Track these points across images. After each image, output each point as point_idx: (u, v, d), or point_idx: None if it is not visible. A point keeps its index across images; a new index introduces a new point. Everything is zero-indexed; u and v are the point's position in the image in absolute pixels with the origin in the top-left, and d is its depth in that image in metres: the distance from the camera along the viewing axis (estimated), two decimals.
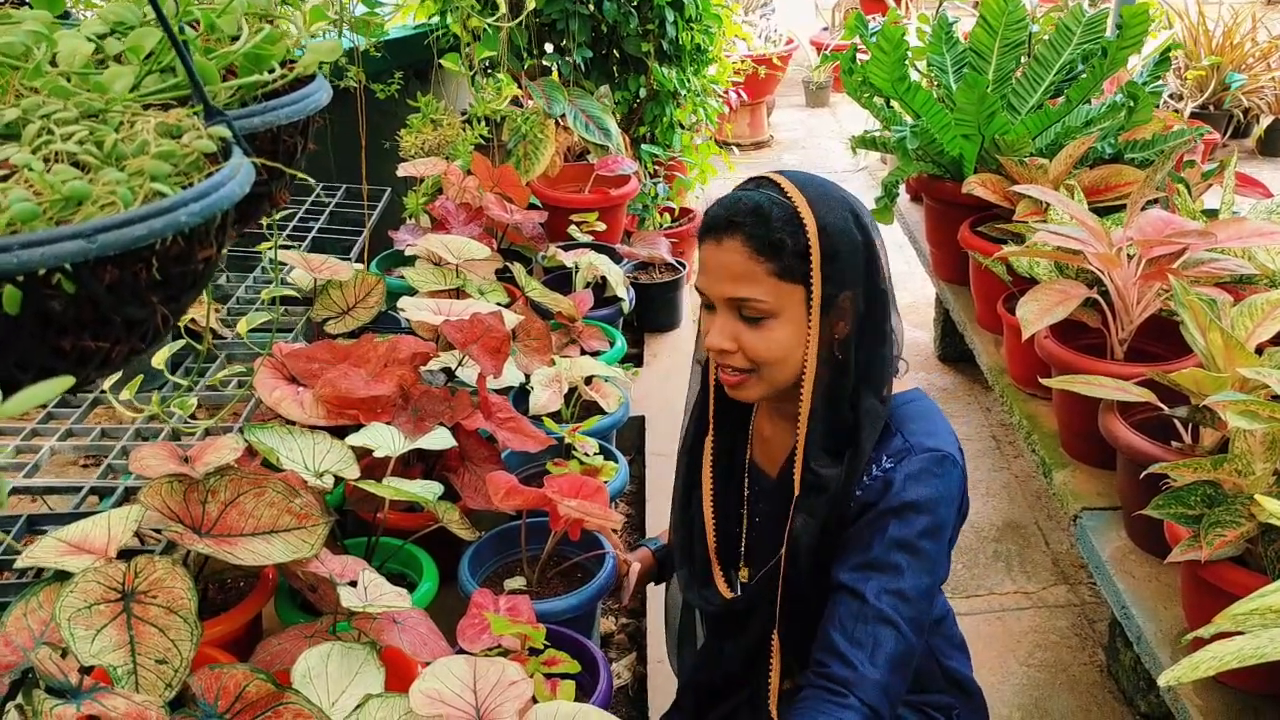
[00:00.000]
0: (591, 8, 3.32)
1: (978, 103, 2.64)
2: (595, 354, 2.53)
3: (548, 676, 1.49)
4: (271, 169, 0.87)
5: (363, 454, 1.72)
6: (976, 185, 2.71)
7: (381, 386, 1.80)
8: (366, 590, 1.47)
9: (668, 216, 3.91)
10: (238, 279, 2.31)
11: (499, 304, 2.31)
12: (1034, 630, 2.51)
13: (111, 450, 1.73)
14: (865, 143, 3.20)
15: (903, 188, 3.37)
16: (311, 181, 0.91)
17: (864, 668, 1.25)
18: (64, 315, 0.55)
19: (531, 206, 3.01)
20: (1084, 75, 2.77)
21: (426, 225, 2.86)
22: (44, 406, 1.84)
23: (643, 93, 3.57)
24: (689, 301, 3.72)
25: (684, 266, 3.58)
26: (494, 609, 1.57)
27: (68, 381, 0.48)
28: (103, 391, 1.82)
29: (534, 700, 1.35)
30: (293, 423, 1.74)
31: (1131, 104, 2.75)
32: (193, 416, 1.81)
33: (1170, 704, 1.75)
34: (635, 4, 3.37)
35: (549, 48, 3.46)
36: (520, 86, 3.13)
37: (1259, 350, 1.83)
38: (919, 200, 3.64)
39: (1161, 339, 2.20)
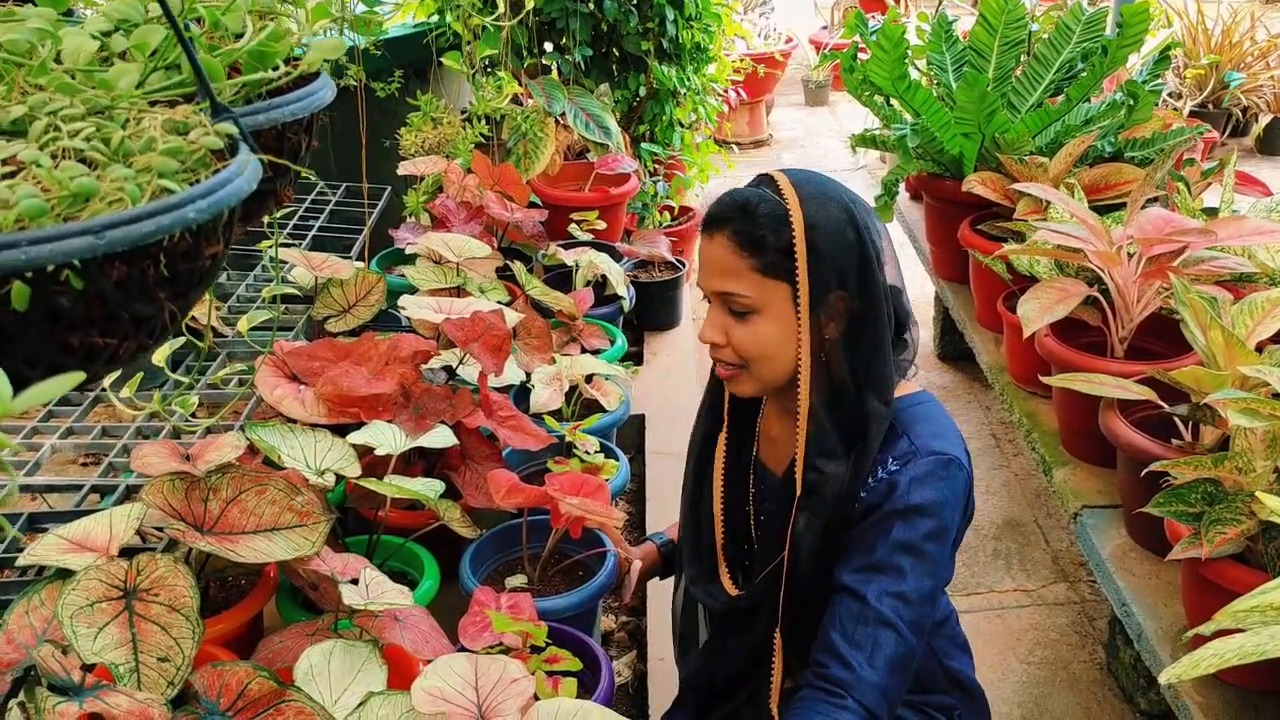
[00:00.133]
0: (591, 6, 3.32)
1: (978, 101, 2.64)
2: (596, 352, 2.54)
3: (549, 674, 1.49)
4: (275, 166, 0.87)
5: (364, 452, 1.72)
6: (976, 183, 2.71)
7: (383, 384, 1.80)
8: (368, 588, 1.47)
9: (667, 215, 3.91)
10: (238, 277, 2.31)
11: (500, 302, 2.31)
12: (1034, 628, 2.51)
13: (112, 449, 1.73)
14: (865, 141, 3.20)
15: (902, 186, 3.37)
16: (316, 179, 0.91)
17: (862, 669, 1.25)
18: (72, 312, 0.55)
19: (532, 205, 3.01)
20: (1084, 74, 2.77)
21: (427, 224, 2.85)
22: (45, 404, 1.84)
23: (642, 91, 3.56)
24: (689, 300, 3.72)
25: (684, 265, 3.58)
26: (496, 607, 1.57)
27: (78, 377, 0.48)
28: (103, 390, 1.82)
29: (536, 698, 1.35)
30: (294, 421, 1.74)
31: (1131, 102, 2.75)
32: (193, 415, 1.81)
33: (1171, 701, 1.75)
34: (635, 2, 3.36)
35: (549, 46, 3.46)
36: (520, 85, 3.13)
37: (1259, 348, 1.83)
38: (919, 199, 3.64)
39: (1162, 337, 2.20)
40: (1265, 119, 5.53)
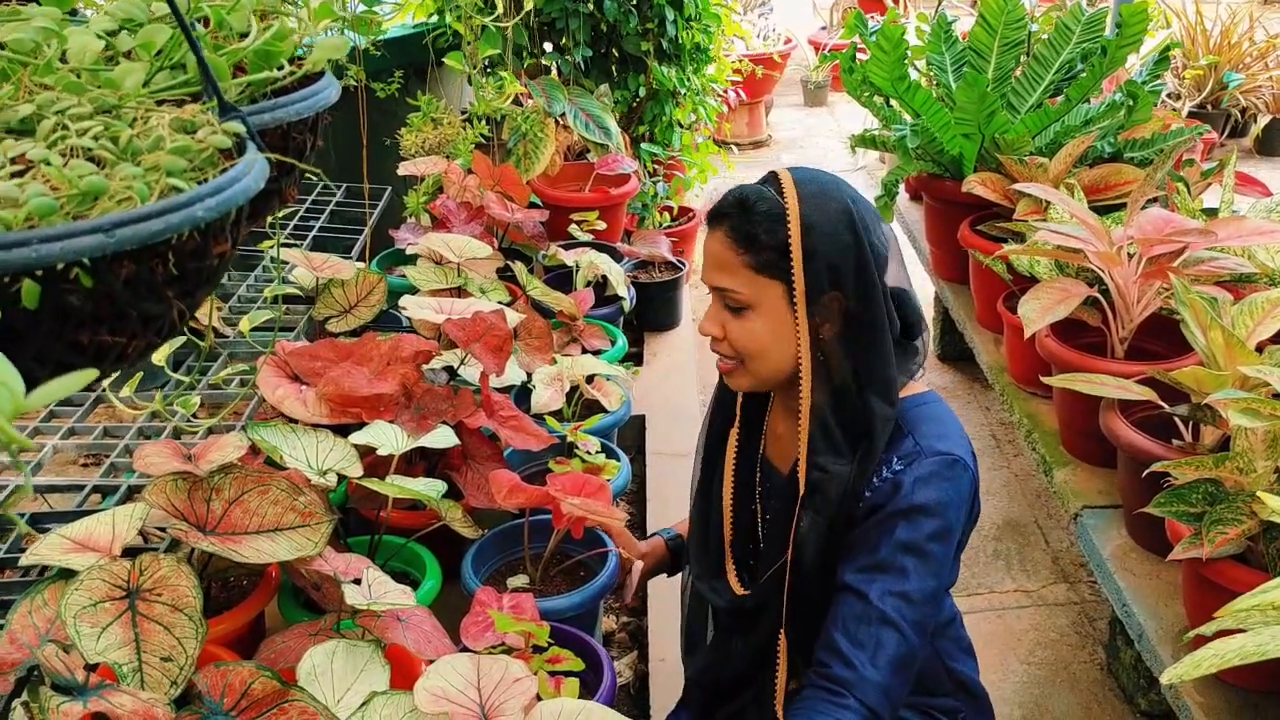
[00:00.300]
0: (591, 7, 3.33)
1: (977, 101, 2.64)
2: (597, 353, 2.54)
3: (551, 674, 1.49)
4: (280, 166, 0.87)
5: (365, 452, 1.72)
6: (976, 184, 2.71)
7: (384, 385, 1.80)
8: (370, 588, 1.47)
9: (667, 215, 3.91)
10: (239, 277, 2.31)
11: (500, 302, 2.31)
12: (1034, 628, 2.51)
13: (114, 449, 1.73)
14: (865, 141, 3.20)
15: (902, 187, 3.37)
16: (322, 177, 0.91)
17: (865, 669, 1.25)
18: (81, 310, 0.56)
19: (532, 205, 3.02)
20: (1083, 74, 2.77)
21: (427, 224, 2.86)
22: (46, 404, 1.83)
23: (642, 92, 3.57)
24: (689, 301, 3.72)
25: (683, 266, 3.58)
26: (498, 607, 1.57)
27: (91, 374, 0.48)
28: (104, 390, 1.82)
29: (538, 698, 1.36)
30: (295, 421, 1.74)
31: (1131, 103, 2.75)
32: (193, 416, 1.81)
33: (1172, 701, 1.75)
34: (635, 3, 3.37)
35: (548, 46, 3.46)
36: (521, 85, 3.13)
37: (1259, 348, 1.83)
38: (918, 199, 3.65)
39: (1162, 337, 2.21)
40: (1264, 120, 5.54)
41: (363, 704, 1.31)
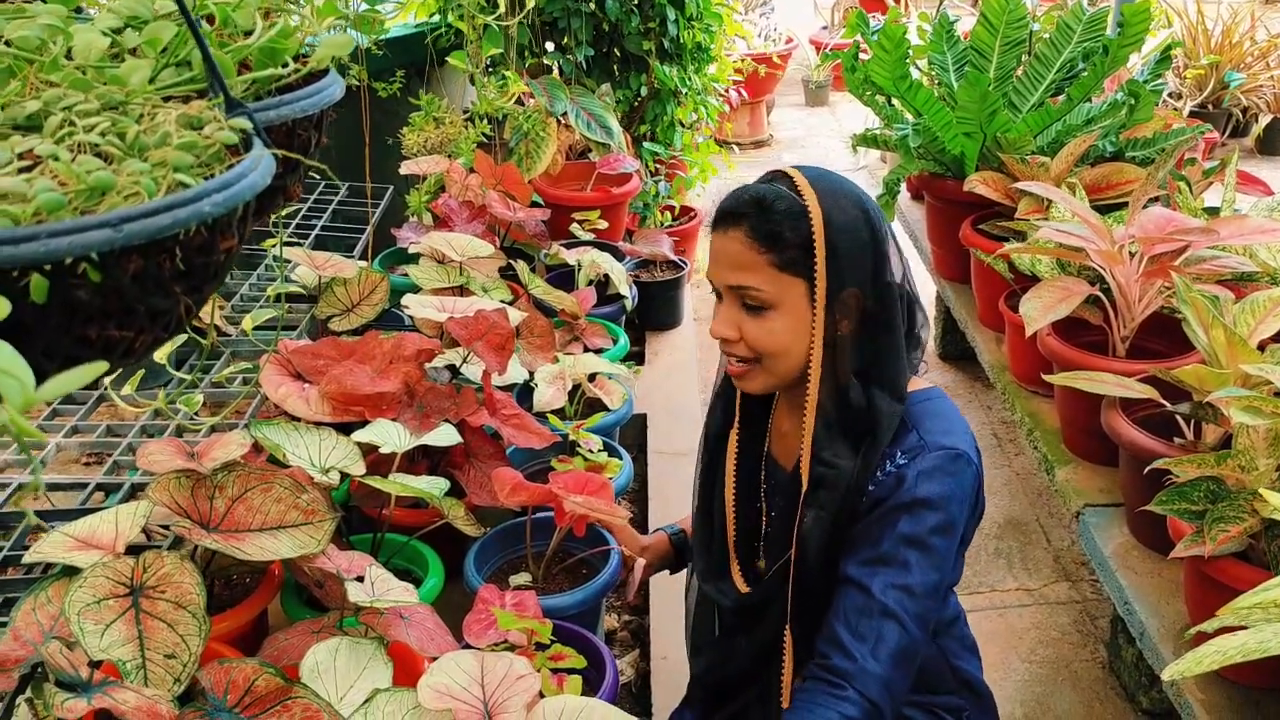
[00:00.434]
0: (593, 6, 3.33)
1: (979, 101, 2.65)
2: (599, 351, 2.54)
3: (554, 672, 1.50)
4: (284, 163, 0.87)
5: (368, 450, 1.72)
6: (978, 183, 2.71)
7: (387, 383, 1.80)
8: (373, 585, 1.47)
9: (669, 215, 3.91)
10: (242, 276, 2.31)
11: (503, 301, 2.32)
12: (1036, 627, 2.52)
13: (117, 447, 1.73)
14: (867, 141, 3.20)
15: (903, 186, 3.37)
16: (329, 173, 0.92)
17: (865, 661, 1.25)
18: (90, 304, 0.56)
19: (534, 204, 3.02)
20: (1085, 73, 2.77)
21: (429, 223, 2.86)
22: (49, 403, 1.84)
23: (644, 91, 3.57)
24: (690, 300, 3.72)
25: (685, 265, 3.58)
26: (500, 604, 1.57)
27: (101, 366, 0.48)
28: (107, 388, 1.82)
29: (541, 695, 1.36)
30: (298, 419, 1.74)
31: (1133, 102, 2.76)
32: (195, 414, 1.81)
33: (1173, 699, 1.76)
34: (637, 2, 3.37)
35: (550, 46, 3.47)
36: (523, 84, 3.13)
37: (1261, 347, 1.83)
38: (920, 198, 3.65)
39: (1163, 336, 2.21)
40: (1265, 119, 5.54)
41: (366, 701, 1.31)
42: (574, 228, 3.11)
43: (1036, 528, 2.88)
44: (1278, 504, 1.49)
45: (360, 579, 1.47)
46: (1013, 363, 2.62)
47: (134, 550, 1.41)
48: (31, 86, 0.77)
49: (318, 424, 1.73)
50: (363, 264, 2.34)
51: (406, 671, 1.48)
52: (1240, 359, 1.74)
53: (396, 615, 1.50)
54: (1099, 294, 2.18)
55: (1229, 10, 5.59)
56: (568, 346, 2.52)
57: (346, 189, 2.70)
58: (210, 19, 0.91)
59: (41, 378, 0.53)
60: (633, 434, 2.96)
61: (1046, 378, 2.09)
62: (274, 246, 2.18)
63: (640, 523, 2.66)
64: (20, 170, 0.61)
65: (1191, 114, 5.17)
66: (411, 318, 2.21)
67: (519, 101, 3.16)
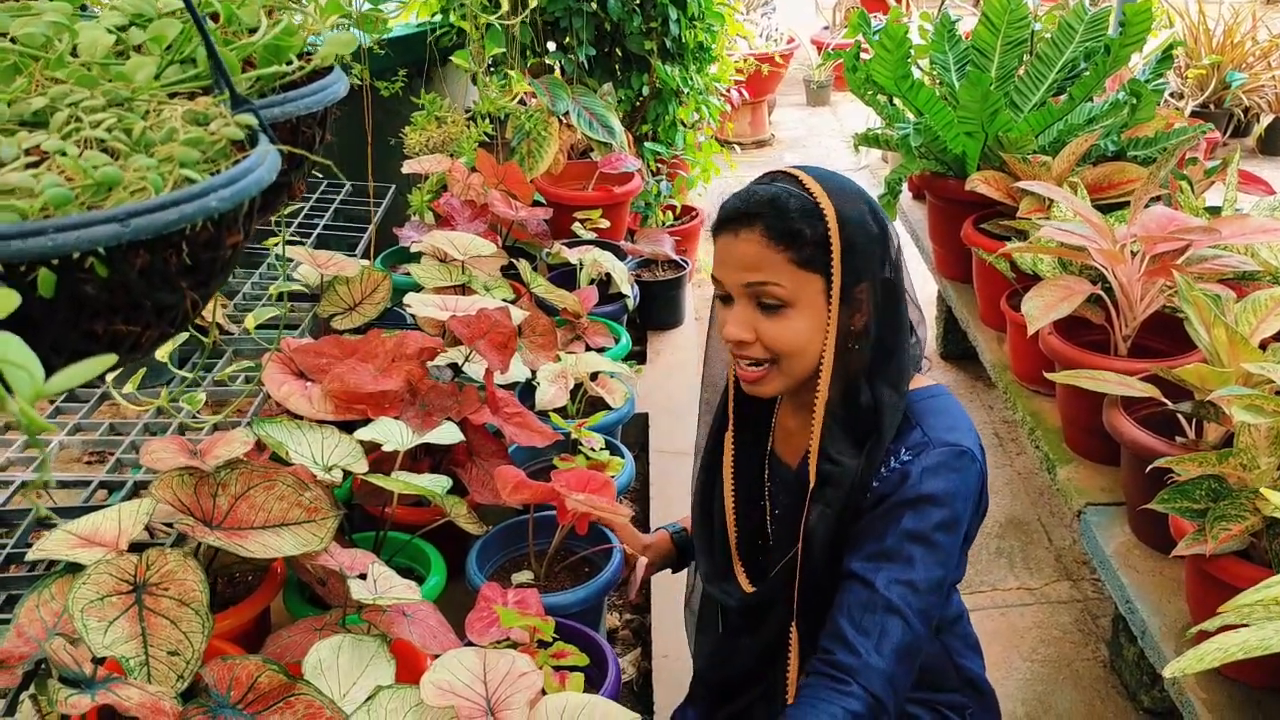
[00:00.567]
0: (595, 6, 3.33)
1: (981, 100, 2.65)
2: (601, 350, 2.54)
3: (556, 669, 1.50)
4: (288, 159, 0.87)
5: (371, 448, 1.72)
6: (980, 182, 2.71)
7: (389, 381, 1.81)
8: (376, 583, 1.47)
9: (670, 214, 3.91)
10: (244, 274, 2.31)
11: (505, 300, 2.32)
12: (1037, 626, 2.52)
13: (120, 445, 1.74)
14: (868, 140, 3.20)
15: (905, 185, 3.38)
16: (335, 169, 0.92)
17: (869, 656, 1.26)
18: (97, 299, 0.56)
19: (536, 203, 3.02)
20: (1086, 73, 2.77)
21: (431, 222, 2.86)
22: (52, 401, 1.84)
23: (646, 90, 3.57)
24: (692, 299, 3.72)
25: (687, 264, 3.58)
26: (503, 602, 1.57)
27: (110, 359, 0.48)
28: (108, 387, 1.83)
29: (543, 692, 1.36)
30: (301, 417, 1.74)
31: (1134, 102, 2.76)
32: (197, 413, 1.81)
33: (1175, 697, 1.76)
34: (639, 2, 3.37)
35: (552, 45, 3.47)
36: (526, 83, 3.14)
37: (1263, 346, 1.84)
38: (921, 198, 3.65)
39: (1165, 335, 2.21)
40: (1267, 119, 5.54)
41: (369, 698, 1.32)
42: (576, 227, 3.12)
43: (1038, 527, 2.88)
44: (1279, 503, 1.50)
45: (363, 576, 1.47)
46: (1014, 362, 2.62)
47: (137, 548, 1.41)
48: (37, 83, 0.77)
49: (320, 422, 1.73)
50: (365, 263, 2.34)
51: (409, 669, 1.48)
52: (1242, 358, 1.74)
53: (399, 613, 1.50)
54: (1100, 293, 2.18)
55: (1230, 10, 5.58)
56: (570, 345, 2.53)
57: (349, 188, 2.71)
58: (215, 16, 0.91)
59: (49, 372, 0.53)
60: (634, 433, 2.96)
61: (1048, 376, 2.09)
62: (276, 245, 2.18)
63: (642, 521, 2.67)
64: (27, 166, 0.61)
65: (1193, 114, 5.17)
66: (414, 316, 2.21)
67: (521, 101, 3.17)
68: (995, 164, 2.82)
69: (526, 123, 3.10)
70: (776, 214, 1.31)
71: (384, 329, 2.00)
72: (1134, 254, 2.13)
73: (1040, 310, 2.11)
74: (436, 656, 1.38)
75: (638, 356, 3.33)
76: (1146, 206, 2.26)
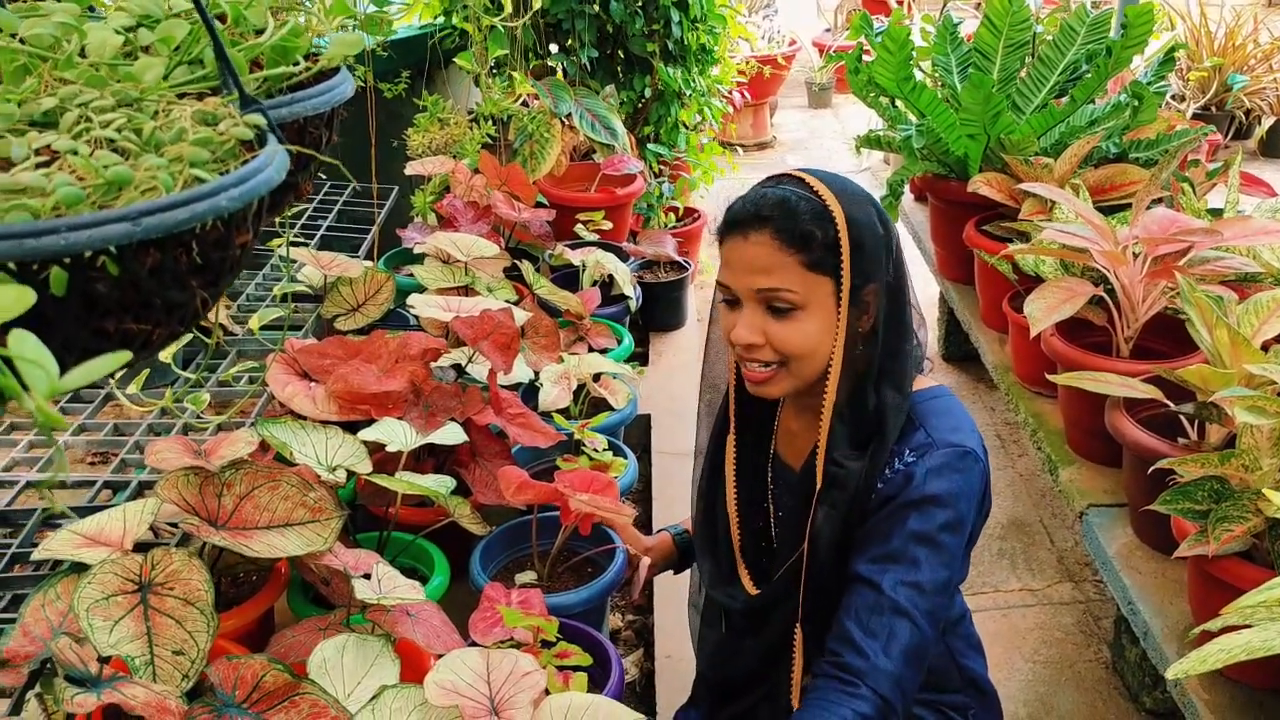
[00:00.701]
0: (597, 8, 3.34)
1: (983, 102, 2.65)
2: (603, 351, 2.55)
3: (559, 669, 1.50)
4: (295, 159, 0.88)
5: (374, 449, 1.73)
6: (982, 184, 2.72)
7: (393, 382, 1.81)
8: (380, 583, 1.47)
9: (672, 216, 3.92)
10: (248, 275, 2.32)
11: (508, 301, 2.32)
12: (1039, 627, 2.52)
13: (123, 445, 1.74)
14: (870, 142, 3.21)
15: (907, 187, 3.38)
16: (343, 169, 0.93)
17: (877, 658, 1.26)
18: (108, 297, 0.56)
19: (538, 205, 3.03)
20: (1088, 75, 2.78)
21: (434, 224, 2.87)
22: (56, 401, 1.84)
23: (648, 92, 3.58)
24: (694, 301, 3.72)
25: (689, 266, 3.59)
26: (506, 602, 1.58)
27: (125, 356, 0.49)
28: (112, 387, 1.83)
29: (546, 692, 1.36)
30: (304, 418, 1.75)
31: (1136, 104, 2.76)
32: (200, 414, 1.82)
33: (1177, 699, 1.76)
34: (641, 4, 3.38)
35: (554, 47, 3.47)
36: (528, 85, 3.14)
37: (1265, 347, 1.84)
38: (923, 200, 3.65)
39: (1167, 336, 2.21)
40: (1268, 121, 5.54)
41: (373, 697, 1.32)
42: (578, 228, 3.12)
43: (1040, 528, 2.88)
44: None
45: (367, 576, 1.48)
46: (1016, 363, 2.63)
47: (142, 547, 1.41)
48: (46, 84, 0.78)
49: (324, 423, 1.74)
50: (368, 264, 2.34)
51: (413, 668, 1.48)
52: (1244, 359, 1.75)
53: (403, 612, 1.50)
54: (1103, 295, 2.19)
55: (1232, 13, 5.59)
56: (572, 346, 2.53)
57: (351, 189, 2.71)
58: (222, 17, 0.91)
59: (60, 370, 0.54)
60: (637, 434, 2.96)
61: (1050, 378, 2.09)
62: (280, 246, 2.19)
63: (644, 523, 2.67)
64: (38, 165, 0.62)
65: (1194, 116, 5.17)
66: (417, 317, 2.22)
67: (524, 103, 3.17)
68: (997, 166, 2.82)
69: (529, 124, 3.10)
70: (787, 217, 1.31)
71: (387, 330, 2.00)
72: (1136, 256, 2.14)
73: (1042, 312, 2.12)
74: (440, 656, 1.38)
75: (640, 358, 3.33)
76: (1148, 208, 2.26)
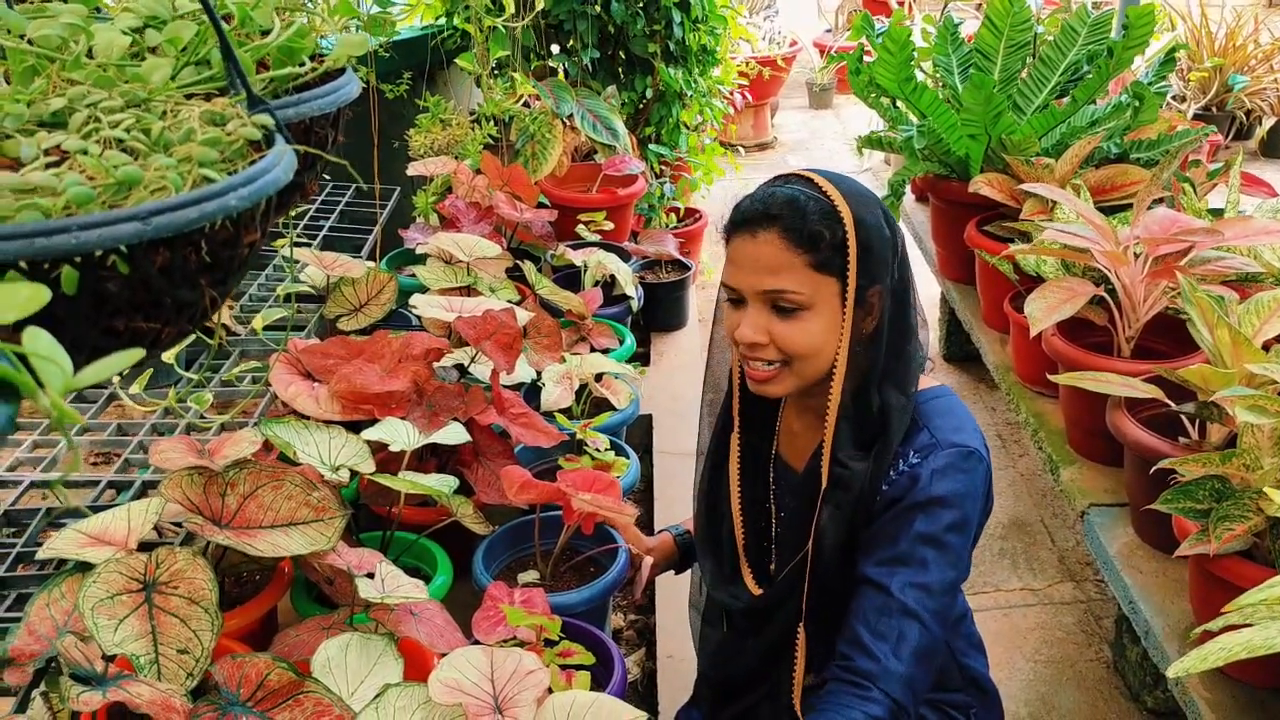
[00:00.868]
0: (599, 8, 3.34)
1: (984, 103, 2.65)
2: (605, 351, 2.55)
3: (563, 668, 1.51)
4: (302, 159, 0.88)
5: (378, 448, 1.73)
6: (983, 184, 2.72)
7: (396, 382, 1.81)
8: (383, 582, 1.48)
9: (674, 216, 3.92)
10: (251, 276, 2.32)
11: (510, 301, 2.33)
12: (1040, 627, 2.52)
13: (127, 445, 1.74)
14: (871, 143, 3.21)
15: (908, 187, 3.38)
16: (350, 169, 0.93)
17: (888, 660, 1.26)
18: (118, 296, 0.57)
19: (540, 205, 3.03)
20: (1089, 76, 2.78)
21: (436, 224, 2.87)
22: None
23: (649, 93, 3.58)
24: (696, 301, 3.73)
25: (690, 266, 3.59)
26: (509, 601, 1.58)
27: (138, 354, 0.49)
28: (116, 387, 1.84)
29: (550, 690, 1.37)
30: (308, 418, 1.75)
31: (1137, 104, 2.76)
32: (204, 414, 1.82)
33: (1179, 697, 1.76)
34: (642, 5, 3.39)
35: (556, 48, 3.48)
36: (530, 86, 3.15)
37: (1266, 347, 1.84)
38: (924, 200, 3.66)
39: (1168, 336, 2.22)
40: (1269, 122, 5.54)
41: (377, 696, 1.32)
42: (580, 229, 3.13)
43: (1041, 528, 2.88)
44: None
45: (370, 575, 1.48)
46: (1017, 363, 2.63)
47: (146, 547, 1.42)
48: (55, 84, 0.78)
49: (327, 422, 1.74)
50: (370, 264, 2.35)
51: (416, 667, 1.49)
52: (1245, 359, 1.75)
53: (406, 611, 1.51)
54: (1104, 295, 2.19)
55: (1233, 13, 5.59)
56: (574, 346, 2.54)
57: (354, 190, 2.72)
58: (228, 18, 0.92)
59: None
60: (638, 434, 2.97)
61: (1052, 378, 2.10)
62: (283, 246, 2.20)
63: (646, 523, 2.67)
64: (48, 165, 0.62)
65: (1195, 116, 5.17)
66: (419, 317, 2.22)
67: (525, 103, 3.18)
68: (998, 166, 2.83)
69: (531, 125, 3.11)
70: (796, 216, 1.31)
71: (390, 330, 2.01)
72: (1137, 256, 2.14)
73: (1043, 312, 2.12)
74: (444, 655, 1.39)
75: (642, 358, 3.34)
76: (1149, 208, 2.26)
